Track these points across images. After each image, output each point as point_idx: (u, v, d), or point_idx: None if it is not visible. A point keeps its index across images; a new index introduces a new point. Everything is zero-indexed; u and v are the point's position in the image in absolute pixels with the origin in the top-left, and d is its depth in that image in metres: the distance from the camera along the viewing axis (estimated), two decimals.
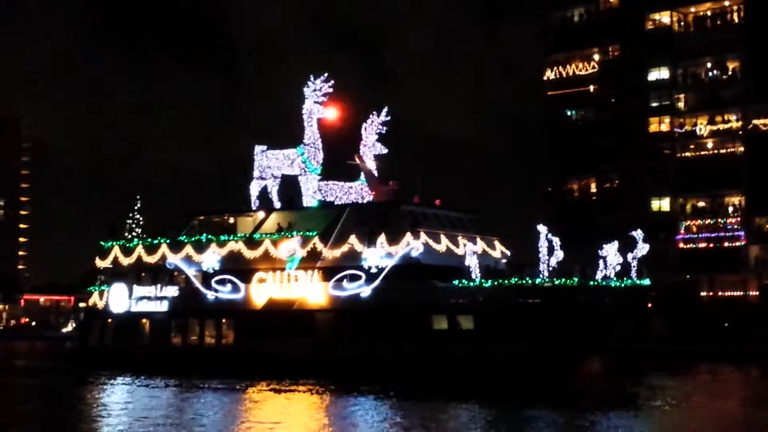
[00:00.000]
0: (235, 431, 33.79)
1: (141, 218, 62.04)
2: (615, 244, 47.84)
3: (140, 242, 61.81)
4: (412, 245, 51.58)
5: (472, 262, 49.58)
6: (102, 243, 62.60)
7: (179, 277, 59.65)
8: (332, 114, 59.08)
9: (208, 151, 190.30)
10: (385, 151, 57.82)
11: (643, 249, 48.55)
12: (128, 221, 62.67)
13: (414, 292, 50.71)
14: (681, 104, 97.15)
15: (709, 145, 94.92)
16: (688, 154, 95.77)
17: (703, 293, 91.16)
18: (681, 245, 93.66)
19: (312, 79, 58.28)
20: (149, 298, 60.17)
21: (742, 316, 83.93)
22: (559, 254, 47.91)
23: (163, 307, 59.54)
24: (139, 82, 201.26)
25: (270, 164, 59.36)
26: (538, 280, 47.62)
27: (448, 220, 55.33)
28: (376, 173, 57.69)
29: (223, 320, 57.62)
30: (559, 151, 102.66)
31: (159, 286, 59.84)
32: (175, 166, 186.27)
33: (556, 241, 47.98)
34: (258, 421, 35.73)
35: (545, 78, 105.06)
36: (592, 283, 47.30)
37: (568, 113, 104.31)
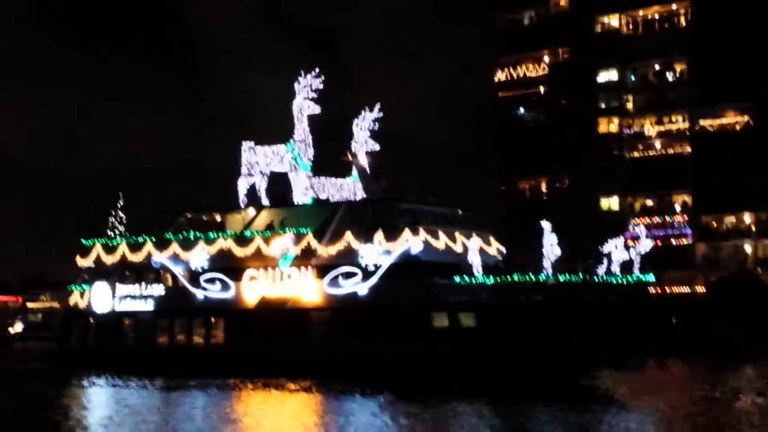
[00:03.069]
0: None
1: (123, 216, 60.46)
2: (621, 239, 48.35)
3: (124, 240, 60.30)
4: (411, 242, 51.33)
5: (474, 259, 49.52)
6: (83, 241, 60.78)
7: (165, 276, 58.33)
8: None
9: (166, 150, 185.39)
10: (377, 147, 57.28)
11: (646, 244, 49.16)
12: (111, 218, 60.94)
13: (414, 290, 50.20)
14: (629, 105, 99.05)
15: (657, 145, 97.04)
16: (636, 154, 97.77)
17: (651, 290, 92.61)
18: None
19: (303, 74, 57.48)
20: (134, 297, 58.67)
21: (689, 313, 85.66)
22: (556, 250, 48.27)
23: (149, 306, 58.10)
24: (92, 80, 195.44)
25: (258, 160, 58.33)
26: (541, 277, 47.83)
27: (444, 217, 55.17)
28: (368, 170, 57.21)
29: (213, 319, 56.35)
30: (510, 152, 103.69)
31: (144, 284, 58.42)
32: (130, 165, 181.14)
33: (554, 237, 48.36)
34: (250, 424, 34.99)
35: (496, 80, 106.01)
36: (597, 279, 47.74)
37: (519, 114, 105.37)
